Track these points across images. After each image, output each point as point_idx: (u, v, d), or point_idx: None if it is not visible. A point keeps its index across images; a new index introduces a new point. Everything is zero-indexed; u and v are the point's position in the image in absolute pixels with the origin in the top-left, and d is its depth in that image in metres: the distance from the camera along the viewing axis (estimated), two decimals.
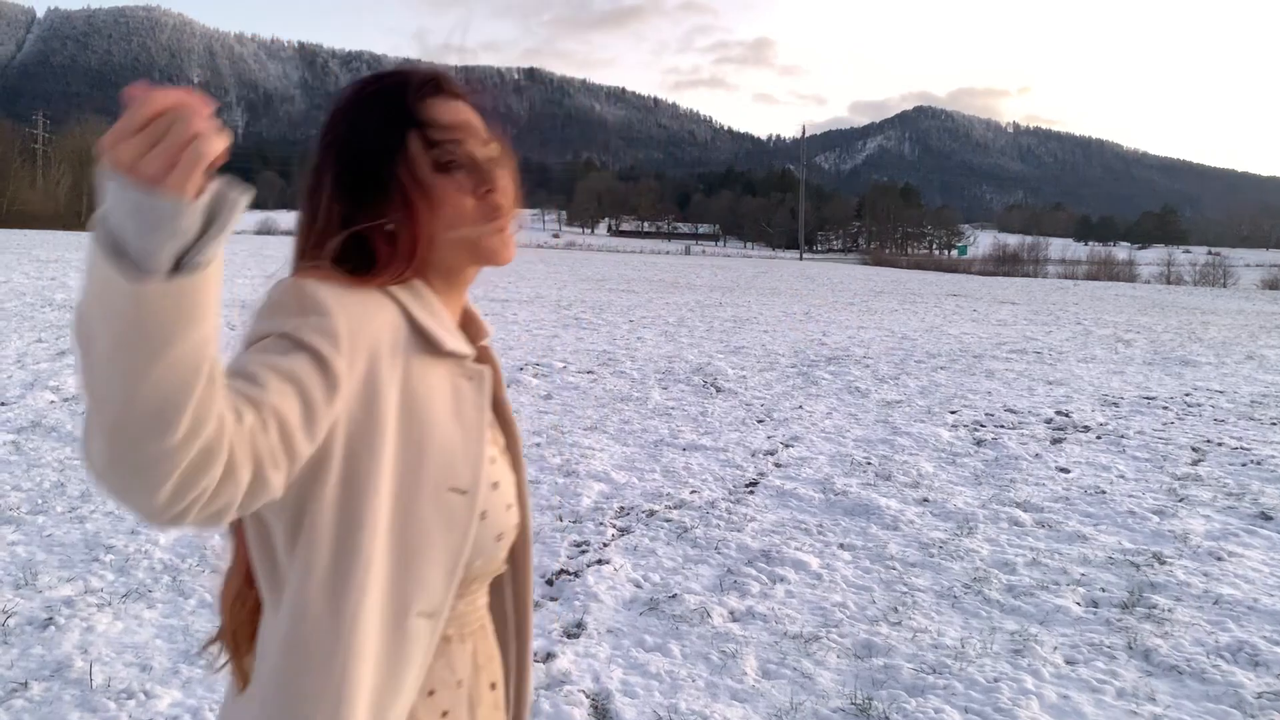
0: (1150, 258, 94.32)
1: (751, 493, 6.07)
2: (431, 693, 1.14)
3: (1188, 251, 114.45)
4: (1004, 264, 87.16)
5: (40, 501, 5.21)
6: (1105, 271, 75.59)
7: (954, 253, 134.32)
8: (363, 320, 1.03)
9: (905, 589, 4.48)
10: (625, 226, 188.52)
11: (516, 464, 1.28)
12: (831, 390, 10.38)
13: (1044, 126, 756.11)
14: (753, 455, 7.11)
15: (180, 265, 0.75)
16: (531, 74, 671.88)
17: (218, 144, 0.74)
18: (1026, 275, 74.08)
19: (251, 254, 40.49)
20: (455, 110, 1.14)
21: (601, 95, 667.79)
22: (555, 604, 4.17)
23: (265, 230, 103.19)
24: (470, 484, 1.11)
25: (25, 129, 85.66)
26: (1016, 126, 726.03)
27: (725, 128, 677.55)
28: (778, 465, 6.85)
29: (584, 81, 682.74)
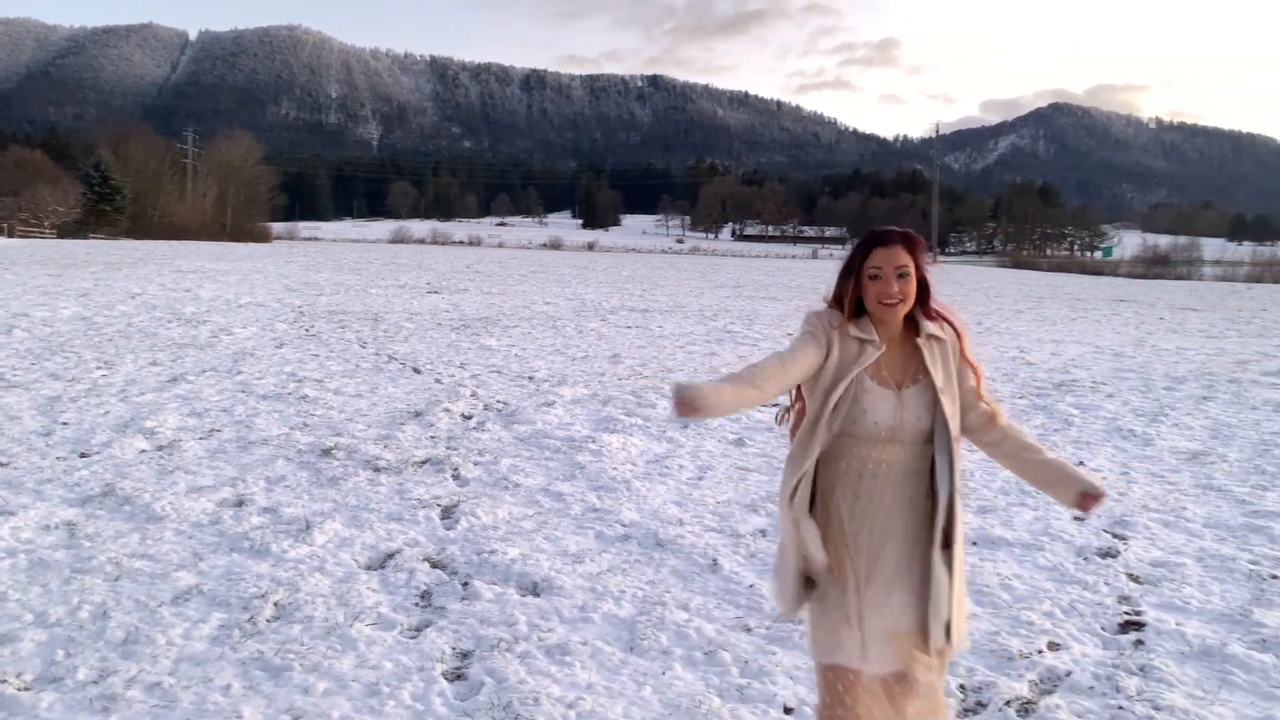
0: None
1: (1141, 644, 3.92)
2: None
3: None
4: (1154, 266, 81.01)
5: (62, 655, 3.50)
6: (1271, 273, 69.57)
7: (1097, 254, 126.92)
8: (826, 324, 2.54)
9: None
10: (749, 231, 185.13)
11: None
12: (1096, 434, 8.22)
13: (1188, 122, 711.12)
14: (1083, 558, 4.95)
15: None
16: (654, 81, 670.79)
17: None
18: (1180, 277, 68.75)
19: (385, 263, 40.07)
20: (883, 255, 2.51)
21: (724, 100, 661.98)
22: None
23: (399, 239, 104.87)
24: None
25: (176, 145, 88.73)
26: (1159, 122, 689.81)
27: (850, 129, 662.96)
28: (1136, 580, 4.68)
29: (706, 87, 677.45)
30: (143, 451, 6.67)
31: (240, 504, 5.56)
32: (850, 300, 2.52)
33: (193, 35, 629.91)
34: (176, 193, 79.68)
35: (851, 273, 2.52)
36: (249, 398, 8.89)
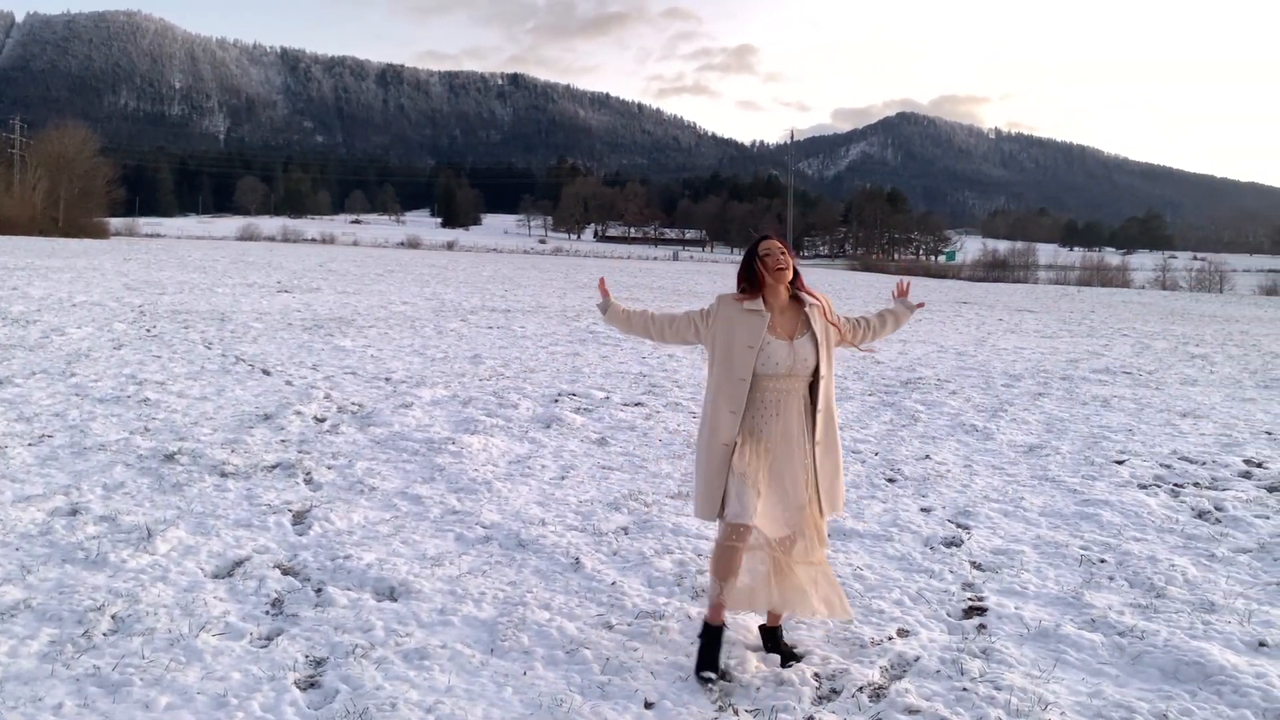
0: (1136, 263, 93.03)
1: (983, 629, 4.11)
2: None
3: (1174, 256, 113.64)
4: (994, 270, 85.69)
5: None
6: (1099, 277, 74.37)
7: (941, 258, 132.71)
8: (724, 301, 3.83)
9: None
10: (611, 232, 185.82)
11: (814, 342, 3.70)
12: (941, 429, 8.58)
13: (1025, 132, 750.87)
14: (929, 548, 5.16)
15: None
16: (515, 80, 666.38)
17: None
18: (1017, 281, 72.76)
19: (233, 261, 38.53)
20: (768, 244, 3.76)
21: (585, 101, 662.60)
22: None
23: (247, 236, 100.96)
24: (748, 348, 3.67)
25: (2, 134, 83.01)
26: (998, 132, 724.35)
27: (709, 134, 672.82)
28: (979, 568, 4.89)
29: (568, 87, 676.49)
30: None
31: (74, 513, 5.25)
32: (746, 279, 3.76)
33: (19, 17, 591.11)
34: (2, 185, 74.65)
35: (751, 263, 3.73)
36: (84, 401, 8.40)
